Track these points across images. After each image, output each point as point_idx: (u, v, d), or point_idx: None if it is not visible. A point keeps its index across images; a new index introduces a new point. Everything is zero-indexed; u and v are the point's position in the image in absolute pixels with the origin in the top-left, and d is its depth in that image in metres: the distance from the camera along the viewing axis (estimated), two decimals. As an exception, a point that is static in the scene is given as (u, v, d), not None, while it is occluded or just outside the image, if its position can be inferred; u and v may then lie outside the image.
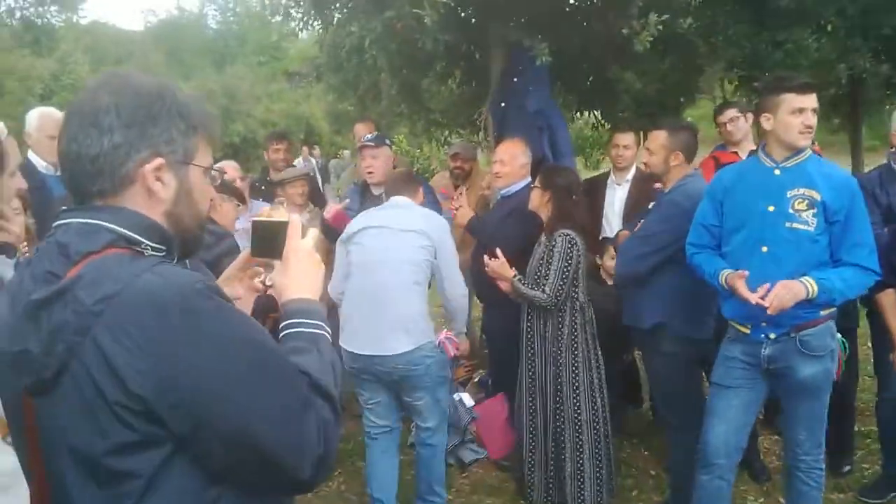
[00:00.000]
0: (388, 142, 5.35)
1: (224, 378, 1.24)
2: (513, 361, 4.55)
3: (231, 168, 5.46)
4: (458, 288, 4.29)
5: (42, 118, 4.83)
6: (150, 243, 1.38)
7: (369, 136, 5.31)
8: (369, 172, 5.19)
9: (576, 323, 4.22)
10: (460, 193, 6.06)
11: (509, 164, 4.85)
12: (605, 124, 8.55)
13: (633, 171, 5.47)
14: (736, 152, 5.24)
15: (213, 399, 1.23)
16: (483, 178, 6.10)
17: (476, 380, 6.00)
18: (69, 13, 34.71)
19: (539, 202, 4.32)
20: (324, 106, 26.17)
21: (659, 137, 4.09)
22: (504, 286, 4.31)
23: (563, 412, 4.22)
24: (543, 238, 4.34)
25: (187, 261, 1.55)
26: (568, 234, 4.15)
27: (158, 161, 1.39)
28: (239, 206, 4.39)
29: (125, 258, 1.31)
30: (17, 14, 32.29)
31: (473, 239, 5.12)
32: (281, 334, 1.50)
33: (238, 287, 1.77)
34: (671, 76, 7.55)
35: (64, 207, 1.42)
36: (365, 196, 5.36)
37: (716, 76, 7.72)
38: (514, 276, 4.25)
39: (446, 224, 4.33)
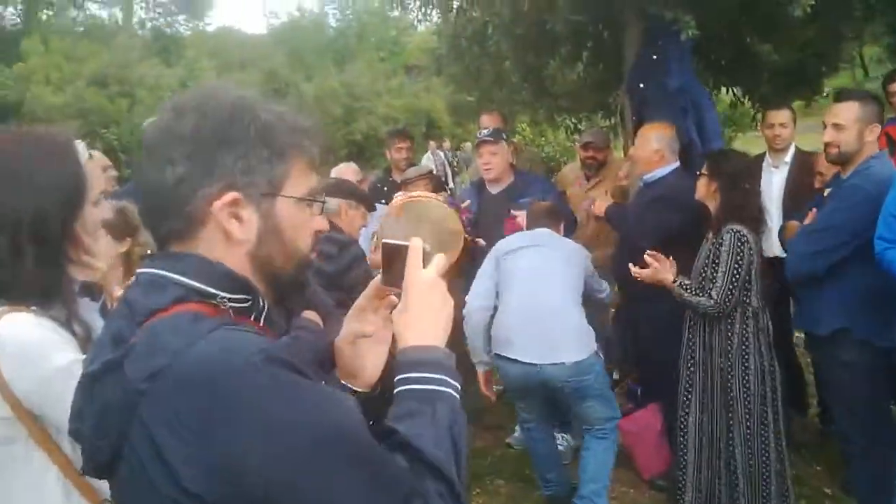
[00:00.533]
0: (504, 136, 5.05)
1: (285, 471, 0.98)
2: (667, 367, 4.11)
3: (350, 171, 5.21)
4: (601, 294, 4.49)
5: None
6: (227, 294, 1.14)
7: (486, 131, 5.05)
8: (487, 169, 4.98)
9: (747, 331, 3.71)
10: (593, 185, 5.65)
11: (640, 148, 4.53)
12: (745, 101, 7.92)
13: (791, 151, 4.89)
14: (911, 126, 4.59)
15: (277, 497, 0.98)
16: (619, 166, 5.61)
17: (622, 388, 5.52)
18: (196, 21, 36.04)
19: (706, 192, 3.87)
20: (444, 98, 26.04)
21: (850, 110, 3.51)
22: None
23: (734, 430, 3.74)
24: (710, 234, 3.88)
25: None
26: (738, 231, 3.67)
27: (231, 196, 1.14)
28: (366, 214, 4.06)
29: (187, 319, 1.08)
30: (148, 25, 33.80)
31: (614, 231, 4.74)
32: (395, 391, 1.22)
33: (371, 319, 1.44)
34: (812, 45, 6.81)
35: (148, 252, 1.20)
36: (482, 195, 5.11)
37: (856, 43, 6.99)
38: (675, 281, 3.80)
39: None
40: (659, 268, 3.82)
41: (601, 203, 4.68)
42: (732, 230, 3.66)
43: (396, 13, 6.90)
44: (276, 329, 1.24)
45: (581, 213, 5.23)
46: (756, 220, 3.77)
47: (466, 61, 7.09)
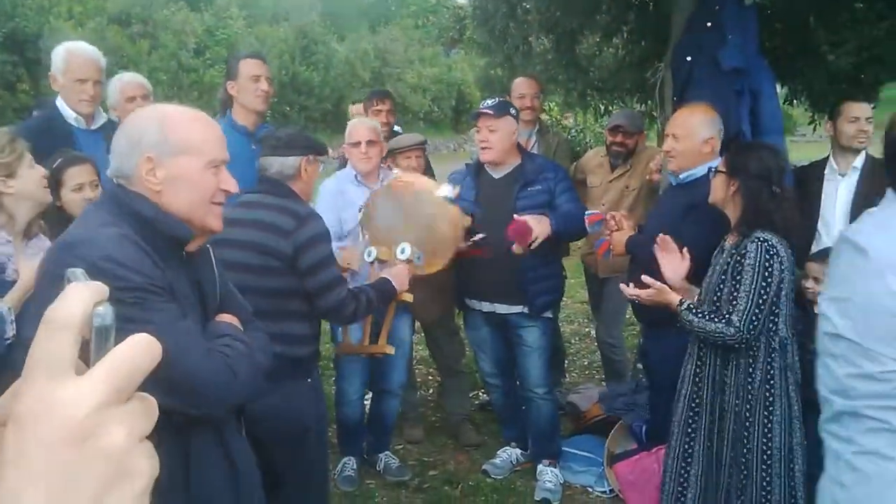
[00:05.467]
0: (513, 112, 4.03)
1: None
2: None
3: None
4: None
5: (69, 57, 3.72)
6: None
7: (489, 102, 4.06)
8: (484, 148, 3.98)
9: (772, 367, 2.91)
10: (618, 176, 4.83)
11: (685, 139, 3.50)
12: (801, 101, 7.05)
13: (862, 156, 4.01)
14: None
15: None
16: (651, 157, 4.74)
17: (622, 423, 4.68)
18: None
19: (723, 194, 3.05)
20: (477, 73, 25.32)
21: None
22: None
23: (748, 490, 2.93)
24: (727, 243, 3.06)
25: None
26: (766, 240, 2.86)
27: None
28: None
29: None
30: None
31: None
32: None
33: None
34: (873, 48, 5.92)
35: None
36: (479, 178, 4.10)
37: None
38: (681, 302, 2.98)
39: None
40: (663, 287, 3.02)
41: (620, 235, 3.70)
42: (759, 239, 2.87)
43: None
44: None
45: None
46: (791, 227, 2.97)
47: (492, 23, 6.32)
